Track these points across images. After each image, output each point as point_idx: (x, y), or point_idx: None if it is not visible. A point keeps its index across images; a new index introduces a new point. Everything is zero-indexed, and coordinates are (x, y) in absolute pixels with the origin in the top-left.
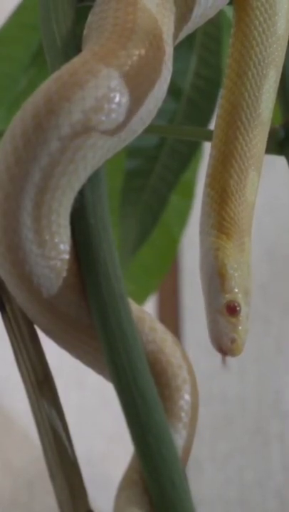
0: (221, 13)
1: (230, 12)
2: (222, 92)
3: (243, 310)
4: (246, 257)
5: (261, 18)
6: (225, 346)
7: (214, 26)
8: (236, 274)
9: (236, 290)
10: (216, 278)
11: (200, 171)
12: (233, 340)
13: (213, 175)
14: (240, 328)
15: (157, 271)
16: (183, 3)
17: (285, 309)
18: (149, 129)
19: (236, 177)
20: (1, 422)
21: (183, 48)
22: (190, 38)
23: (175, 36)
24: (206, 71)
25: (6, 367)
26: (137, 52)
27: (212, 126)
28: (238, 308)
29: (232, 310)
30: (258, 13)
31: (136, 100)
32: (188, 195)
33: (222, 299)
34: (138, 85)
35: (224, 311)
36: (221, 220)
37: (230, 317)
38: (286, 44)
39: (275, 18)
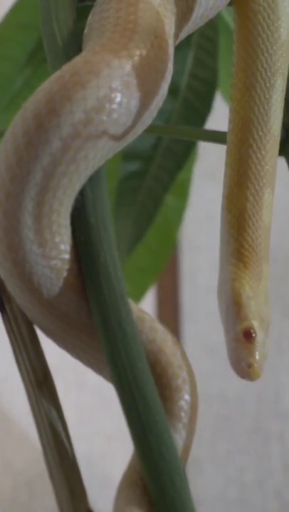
0: (218, 15)
1: (227, 14)
2: (231, 105)
3: (259, 336)
4: (263, 285)
5: (264, 24)
6: (243, 371)
7: (211, 27)
8: (252, 303)
9: (252, 317)
10: (232, 307)
11: (195, 171)
12: (249, 365)
13: (229, 197)
14: (256, 353)
15: (152, 271)
16: (184, 4)
17: (285, 310)
18: (146, 129)
19: (252, 199)
20: (1, 422)
21: (179, 48)
22: (186, 38)
23: (176, 36)
24: (201, 72)
25: (6, 367)
26: (138, 53)
27: (208, 126)
28: (253, 335)
29: (248, 336)
30: (261, 18)
31: (138, 100)
32: (183, 195)
33: (238, 327)
34: (140, 85)
35: (241, 337)
36: (239, 248)
37: (247, 343)
38: None
39: (278, 23)
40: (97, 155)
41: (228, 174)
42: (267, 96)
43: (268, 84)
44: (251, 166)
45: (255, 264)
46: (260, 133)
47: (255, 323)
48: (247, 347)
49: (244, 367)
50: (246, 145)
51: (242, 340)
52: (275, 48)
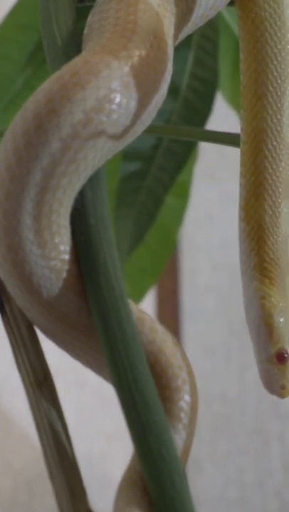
0: (218, 15)
1: (227, 14)
2: (242, 114)
3: None
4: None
5: (271, 31)
6: (276, 392)
7: (211, 28)
8: (282, 322)
9: (284, 338)
10: (263, 328)
11: (195, 172)
12: (283, 387)
13: (246, 209)
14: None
15: (153, 271)
16: (183, 4)
17: None
18: (146, 129)
19: (270, 211)
20: (1, 422)
21: (180, 48)
22: (187, 39)
23: (175, 37)
24: (202, 72)
25: (6, 367)
26: (137, 53)
27: (208, 126)
28: (286, 356)
29: (281, 358)
30: (268, 25)
31: (137, 101)
32: (184, 195)
33: (271, 349)
34: (139, 86)
35: (274, 360)
36: (262, 262)
37: (280, 365)
38: None
39: (285, 28)
40: (97, 155)
41: (243, 185)
42: (279, 105)
43: (279, 93)
44: (267, 177)
45: (280, 279)
46: (275, 143)
47: (287, 345)
48: (280, 369)
49: (277, 388)
50: (261, 156)
51: (275, 362)
52: (283, 54)
